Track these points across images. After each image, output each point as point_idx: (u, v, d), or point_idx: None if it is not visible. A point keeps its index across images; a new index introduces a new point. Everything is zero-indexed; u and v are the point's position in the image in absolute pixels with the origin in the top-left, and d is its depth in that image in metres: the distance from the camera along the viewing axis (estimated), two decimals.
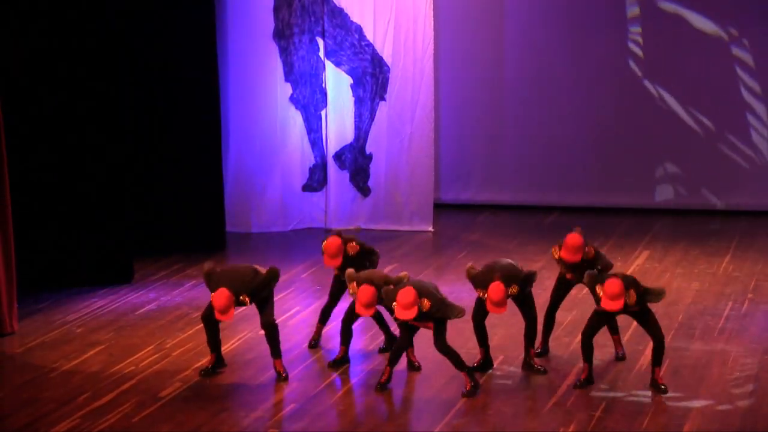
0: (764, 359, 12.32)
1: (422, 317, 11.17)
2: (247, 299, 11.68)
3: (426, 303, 11.07)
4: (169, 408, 11.24)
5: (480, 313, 11.94)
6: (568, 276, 12.18)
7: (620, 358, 12.32)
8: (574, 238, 12.05)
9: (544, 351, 12.53)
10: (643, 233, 17.73)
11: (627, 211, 18.92)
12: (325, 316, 12.90)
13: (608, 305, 11.18)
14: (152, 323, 13.89)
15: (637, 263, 16.20)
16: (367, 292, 11.39)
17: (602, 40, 19.05)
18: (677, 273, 15.75)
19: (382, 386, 11.49)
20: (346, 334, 12.24)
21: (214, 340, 12.03)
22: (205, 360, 12.34)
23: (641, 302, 11.29)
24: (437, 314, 11.15)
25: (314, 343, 12.87)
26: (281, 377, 11.82)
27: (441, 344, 11.28)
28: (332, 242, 12.43)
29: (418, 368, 11.98)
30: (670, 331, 13.28)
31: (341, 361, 12.26)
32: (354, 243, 12.51)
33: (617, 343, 12.39)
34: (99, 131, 15.39)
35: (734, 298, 14.54)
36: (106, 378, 12.03)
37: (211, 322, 11.90)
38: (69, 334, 13.55)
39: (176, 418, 10.98)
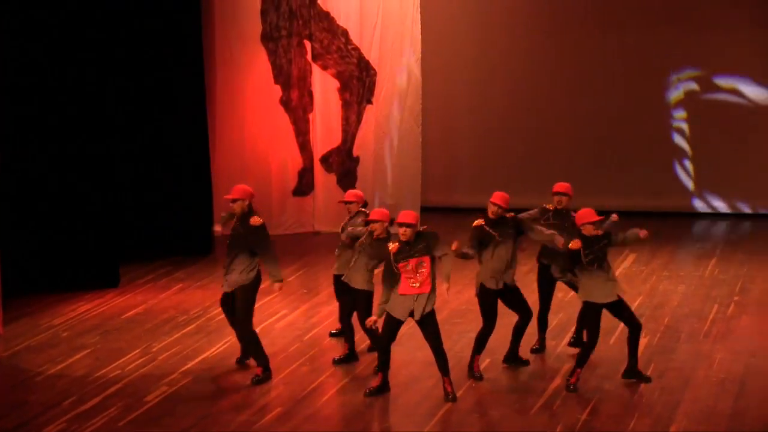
0: (750, 362, 12.34)
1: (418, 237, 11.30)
2: None
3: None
4: (156, 412, 11.22)
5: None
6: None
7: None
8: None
9: (541, 348, 12.65)
10: None
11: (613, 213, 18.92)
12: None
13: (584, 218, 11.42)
14: (138, 327, 13.87)
15: (624, 266, 16.23)
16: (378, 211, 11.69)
17: (588, 44, 19.11)
18: (663, 276, 15.78)
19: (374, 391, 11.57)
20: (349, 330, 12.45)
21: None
22: (194, 363, 12.38)
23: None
24: (431, 240, 11.31)
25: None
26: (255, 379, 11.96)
27: (435, 342, 11.38)
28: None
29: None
30: (656, 333, 13.32)
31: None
32: None
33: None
34: (86, 136, 15.38)
35: (720, 300, 14.57)
36: (93, 382, 12.01)
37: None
38: (55, 337, 13.53)
39: (162, 422, 10.96)
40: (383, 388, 11.51)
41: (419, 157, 18.28)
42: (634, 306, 14.35)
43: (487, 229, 11.85)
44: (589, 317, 11.57)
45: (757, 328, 13.51)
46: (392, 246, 11.23)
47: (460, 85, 19.65)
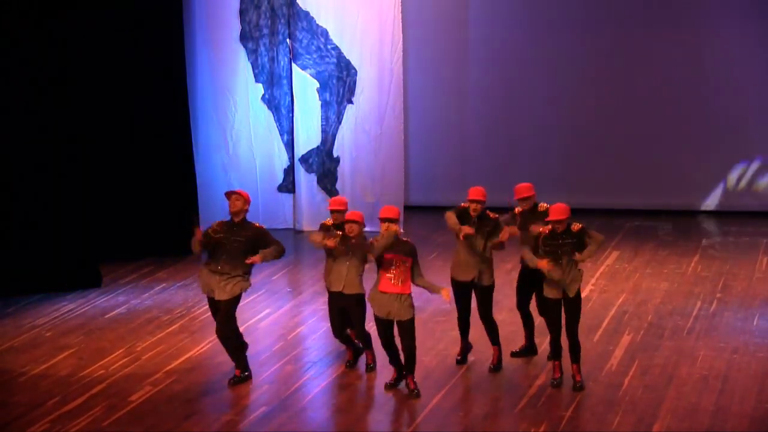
0: (733, 358, 12.38)
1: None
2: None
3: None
4: (140, 412, 11.20)
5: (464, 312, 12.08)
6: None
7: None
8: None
9: (532, 351, 12.50)
10: (612, 234, 17.79)
11: (596, 212, 18.99)
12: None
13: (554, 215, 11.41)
14: (122, 327, 13.85)
15: (607, 263, 16.26)
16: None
17: (568, 44, 19.13)
18: (647, 273, 15.82)
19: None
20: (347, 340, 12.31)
21: None
22: (177, 362, 12.37)
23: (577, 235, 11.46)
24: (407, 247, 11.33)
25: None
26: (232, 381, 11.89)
27: (409, 342, 11.39)
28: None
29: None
30: (639, 330, 13.34)
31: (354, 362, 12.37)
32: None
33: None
34: (67, 136, 15.34)
35: (703, 297, 14.61)
36: (76, 382, 11.98)
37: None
38: (38, 338, 13.49)
39: (147, 422, 10.95)
40: (399, 379, 11.59)
41: (402, 156, 18.28)
42: (617, 303, 14.41)
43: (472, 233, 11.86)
44: (546, 309, 11.69)
45: (739, 324, 13.55)
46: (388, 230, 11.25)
47: (441, 84, 19.65)
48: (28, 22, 15.02)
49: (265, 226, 11.94)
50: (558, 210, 11.48)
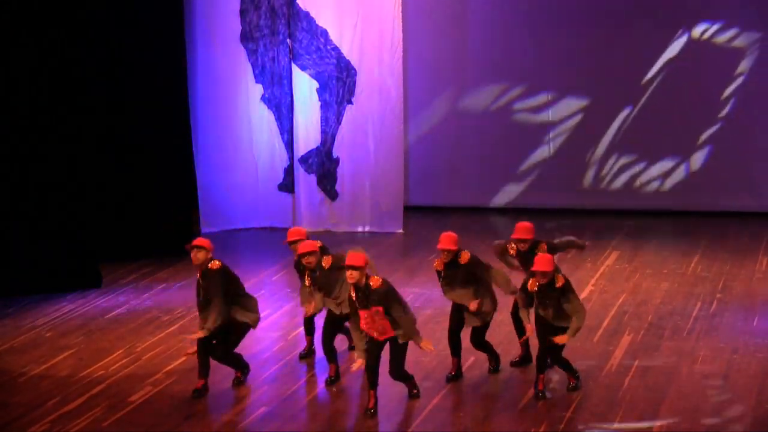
0: (733, 358, 12.38)
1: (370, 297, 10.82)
2: None
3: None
4: (140, 412, 11.20)
5: (456, 322, 11.92)
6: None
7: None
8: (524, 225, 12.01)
9: (527, 360, 12.29)
10: (612, 234, 17.79)
11: (597, 213, 18.99)
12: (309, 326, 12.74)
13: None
14: (122, 327, 13.85)
15: (607, 264, 16.26)
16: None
17: (568, 44, 19.12)
18: (647, 273, 15.81)
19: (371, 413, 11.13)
20: (330, 352, 12.01)
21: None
22: (177, 363, 12.37)
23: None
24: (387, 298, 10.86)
25: (306, 354, 12.72)
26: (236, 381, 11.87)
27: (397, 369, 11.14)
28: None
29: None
30: (639, 331, 13.34)
31: (336, 378, 11.98)
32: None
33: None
34: (67, 135, 15.34)
35: (703, 298, 14.61)
36: (76, 382, 11.98)
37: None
38: (38, 338, 13.49)
39: (147, 422, 10.95)
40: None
41: (402, 156, 18.27)
42: (617, 303, 14.40)
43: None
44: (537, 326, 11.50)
45: (739, 324, 13.55)
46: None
47: (442, 83, 19.63)
48: (27, 23, 15.02)
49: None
50: (540, 263, 11.17)
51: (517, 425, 10.80)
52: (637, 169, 19.19)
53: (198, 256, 11.53)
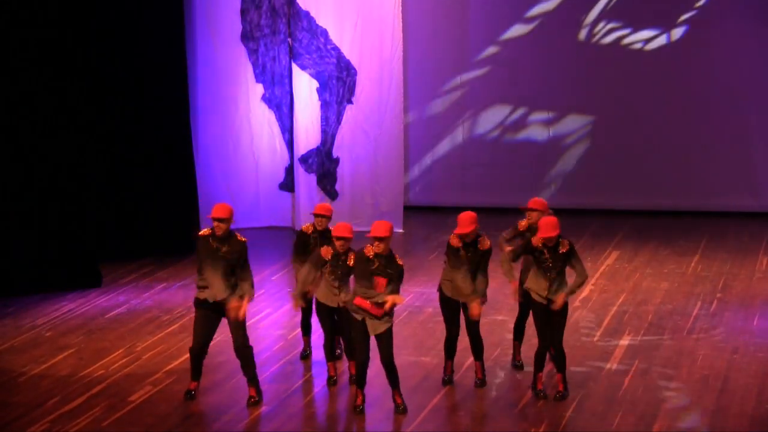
0: (733, 358, 12.38)
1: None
2: None
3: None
4: (140, 412, 11.20)
5: (455, 329, 11.84)
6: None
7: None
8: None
9: (520, 367, 12.24)
10: (612, 233, 17.80)
11: (597, 212, 19.00)
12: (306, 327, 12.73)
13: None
14: (122, 326, 13.85)
15: (607, 263, 16.26)
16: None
17: (568, 44, 19.14)
18: (647, 273, 15.82)
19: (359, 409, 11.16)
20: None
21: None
22: (177, 362, 12.37)
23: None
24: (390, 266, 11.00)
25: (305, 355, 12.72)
26: (252, 401, 11.45)
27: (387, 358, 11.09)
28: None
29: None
30: (640, 330, 13.34)
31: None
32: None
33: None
34: (67, 135, 15.33)
35: (703, 297, 14.62)
36: (76, 382, 11.98)
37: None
38: (38, 338, 13.49)
39: (146, 422, 10.95)
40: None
41: (401, 156, 18.28)
42: (617, 303, 14.41)
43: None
44: (533, 313, 11.42)
45: (739, 324, 13.55)
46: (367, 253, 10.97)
47: (442, 83, 19.64)
48: (27, 23, 15.02)
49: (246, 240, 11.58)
50: (545, 227, 11.14)
51: (517, 425, 10.80)
52: (637, 168, 19.21)
53: (222, 226, 11.31)
